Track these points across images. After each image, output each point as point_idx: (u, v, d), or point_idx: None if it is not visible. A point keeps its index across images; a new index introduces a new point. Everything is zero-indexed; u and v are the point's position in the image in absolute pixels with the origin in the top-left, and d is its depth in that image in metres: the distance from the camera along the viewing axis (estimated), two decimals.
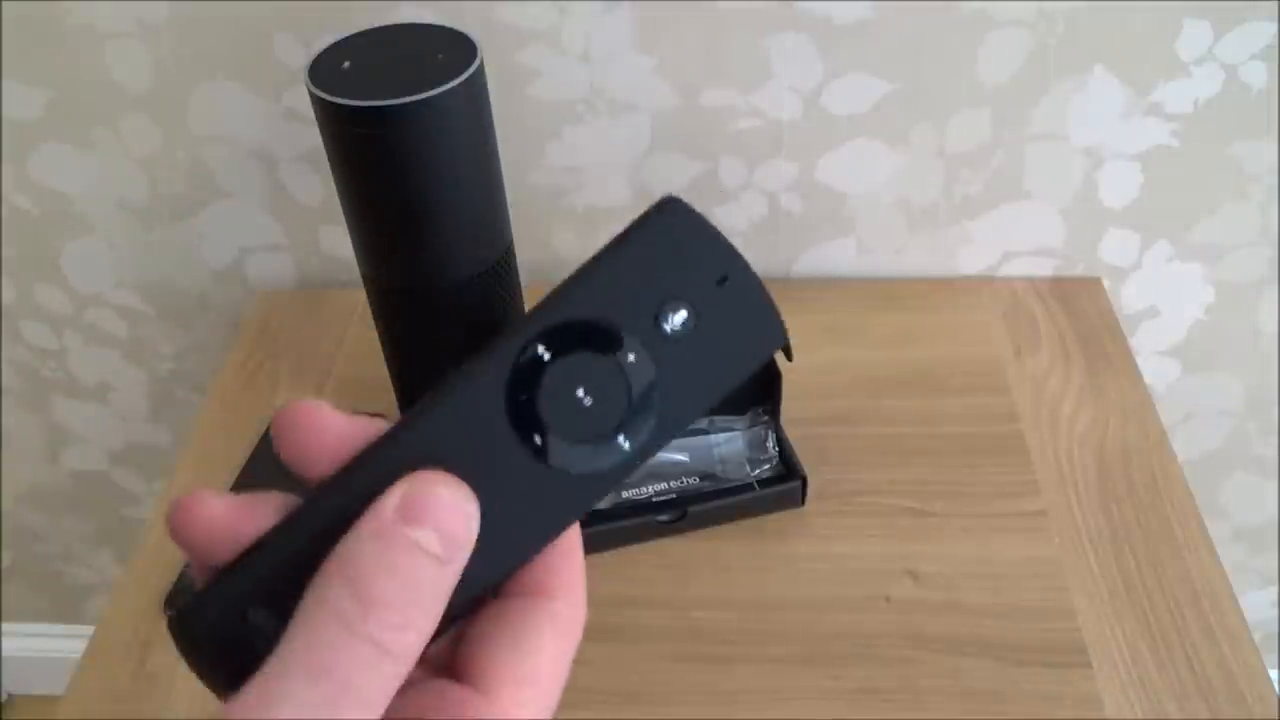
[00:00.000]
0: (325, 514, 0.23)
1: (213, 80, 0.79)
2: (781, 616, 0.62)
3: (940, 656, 0.60)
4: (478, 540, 0.22)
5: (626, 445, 0.21)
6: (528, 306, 0.71)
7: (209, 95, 0.80)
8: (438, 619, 0.22)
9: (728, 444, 0.70)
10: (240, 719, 0.21)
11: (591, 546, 0.66)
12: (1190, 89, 0.75)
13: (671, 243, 0.22)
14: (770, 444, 0.69)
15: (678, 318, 0.21)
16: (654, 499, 0.67)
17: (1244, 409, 0.94)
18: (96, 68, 0.79)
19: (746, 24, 0.74)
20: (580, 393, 0.21)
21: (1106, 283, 0.86)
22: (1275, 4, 0.71)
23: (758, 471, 0.68)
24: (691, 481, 0.68)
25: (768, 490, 0.67)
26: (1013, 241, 0.85)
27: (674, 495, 0.67)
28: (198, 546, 0.25)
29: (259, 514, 0.25)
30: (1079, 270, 0.86)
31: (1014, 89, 0.76)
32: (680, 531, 0.67)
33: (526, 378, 0.21)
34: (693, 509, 0.66)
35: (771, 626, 0.62)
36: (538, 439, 0.21)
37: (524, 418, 0.21)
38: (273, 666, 0.21)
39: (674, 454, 0.69)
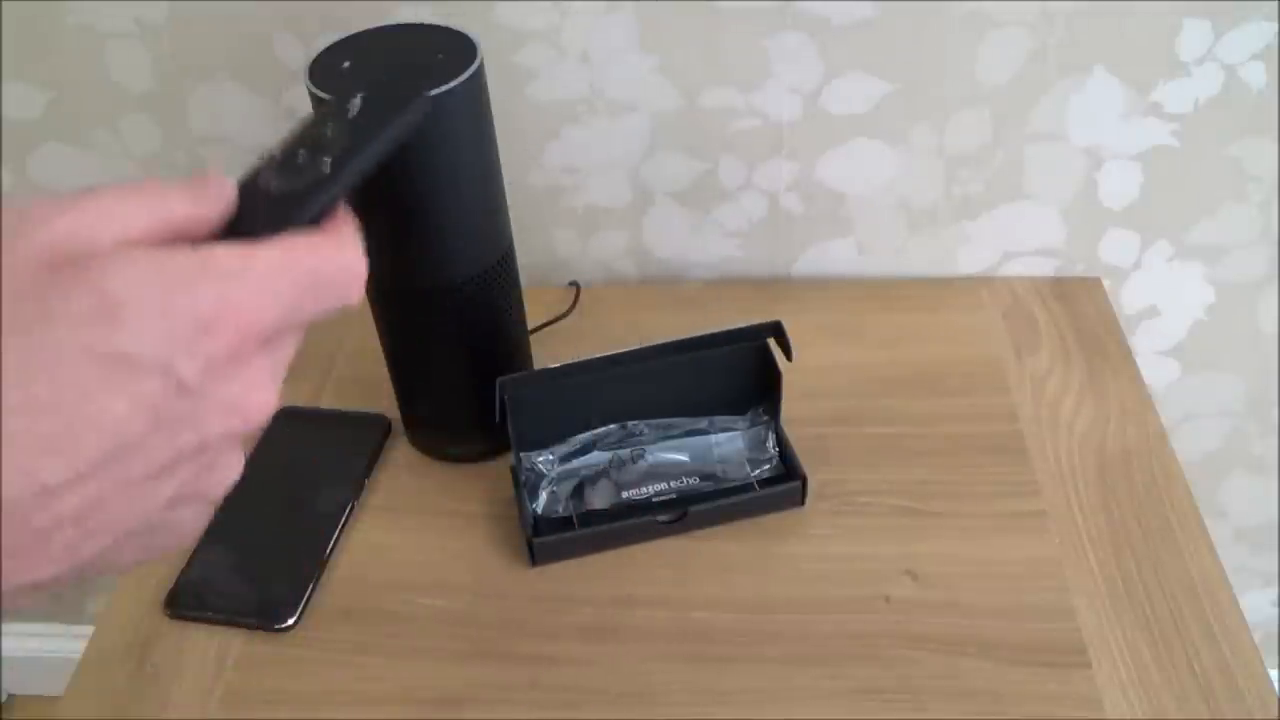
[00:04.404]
0: None
1: (213, 80, 0.79)
2: (781, 616, 0.62)
3: (940, 656, 0.60)
4: (247, 228, 0.31)
5: (326, 167, 0.33)
6: (528, 307, 0.71)
7: (209, 95, 0.80)
8: (190, 201, 0.30)
9: (728, 444, 0.70)
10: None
11: (592, 547, 0.66)
12: (1190, 89, 0.75)
13: (354, 92, 0.36)
14: (770, 444, 0.69)
15: (355, 106, 0.35)
16: (654, 499, 0.67)
17: (1244, 409, 0.94)
18: (96, 68, 0.79)
19: (746, 24, 0.74)
20: (299, 158, 0.34)
21: (1106, 283, 0.86)
22: (1275, 4, 0.71)
23: (758, 471, 0.68)
24: (691, 481, 0.68)
25: (768, 490, 0.67)
26: (1013, 241, 0.85)
27: (674, 495, 0.67)
28: None
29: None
30: (1079, 270, 0.86)
31: (1014, 89, 0.76)
32: (680, 531, 0.67)
33: (266, 163, 0.34)
34: (693, 509, 0.66)
35: (771, 626, 0.62)
36: (272, 184, 0.33)
37: (264, 179, 0.33)
38: None
39: (674, 454, 0.69)
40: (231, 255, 0.29)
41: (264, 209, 0.32)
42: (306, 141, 0.34)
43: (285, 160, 0.34)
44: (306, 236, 0.31)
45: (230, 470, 0.31)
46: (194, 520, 0.31)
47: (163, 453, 0.28)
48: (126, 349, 0.26)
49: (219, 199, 0.31)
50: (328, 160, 0.33)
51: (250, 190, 0.33)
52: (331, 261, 0.31)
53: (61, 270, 0.26)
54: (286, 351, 0.32)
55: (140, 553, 0.31)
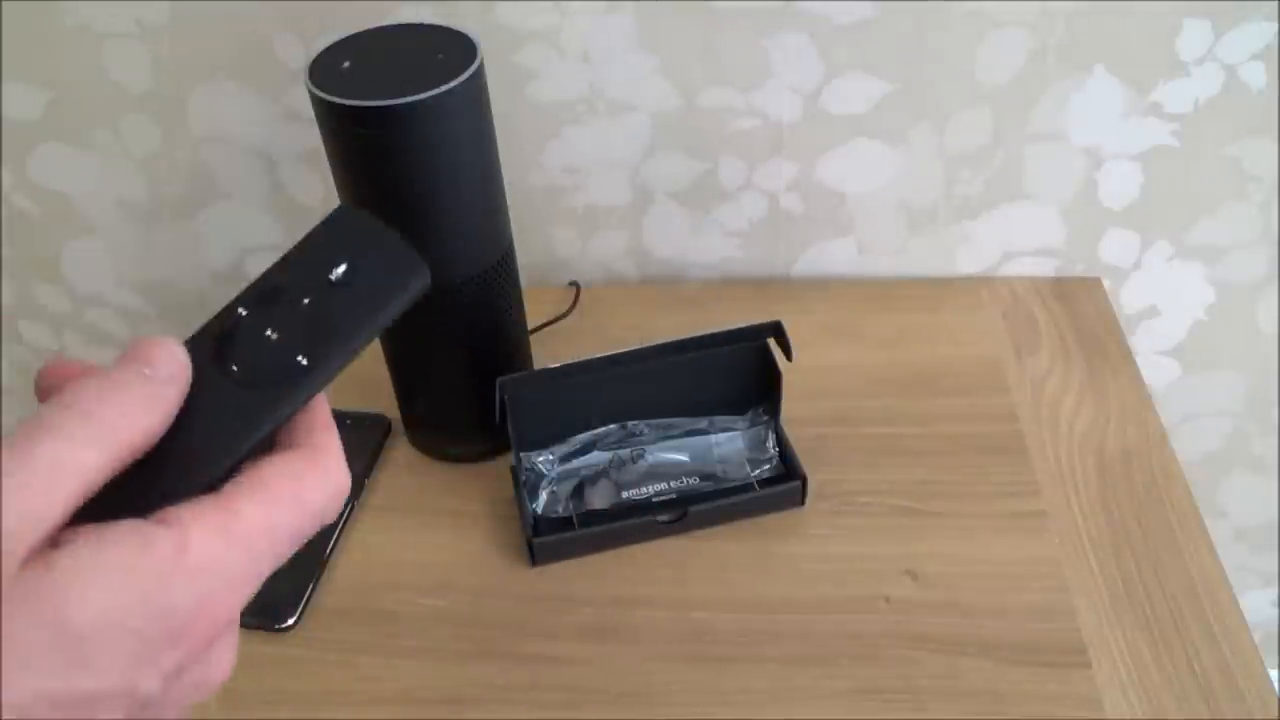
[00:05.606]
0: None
1: (213, 80, 0.79)
2: (781, 616, 0.62)
3: (940, 656, 0.60)
4: (205, 429, 0.28)
5: (304, 360, 0.28)
6: (528, 307, 0.71)
7: (209, 95, 0.80)
8: (145, 416, 0.27)
9: (728, 444, 0.70)
10: None
11: (592, 547, 0.66)
12: (1190, 89, 0.75)
13: (338, 229, 0.30)
14: (770, 444, 0.69)
15: (339, 270, 0.29)
16: (654, 499, 0.67)
17: (1244, 409, 0.94)
18: (96, 68, 0.79)
19: (746, 24, 0.74)
20: (269, 333, 0.29)
21: (1106, 283, 0.86)
22: (1275, 4, 0.71)
23: (758, 471, 0.68)
24: (691, 481, 0.68)
25: (768, 490, 0.67)
26: (1013, 241, 0.85)
27: (674, 495, 0.67)
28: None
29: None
30: (1079, 270, 0.86)
31: (1014, 89, 0.76)
32: (680, 531, 0.67)
33: (230, 330, 0.29)
34: (693, 509, 0.66)
35: (771, 626, 0.62)
36: (234, 368, 0.28)
37: (226, 356, 0.29)
38: None
39: (674, 454, 0.69)
40: (209, 540, 0.25)
41: (228, 408, 0.28)
42: (277, 310, 0.29)
43: (252, 334, 0.29)
44: (291, 477, 0.28)
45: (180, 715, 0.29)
46: None
47: None
48: (89, 689, 0.24)
49: (175, 395, 0.27)
50: (302, 352, 0.28)
51: (209, 373, 0.28)
52: (318, 501, 0.28)
53: (17, 583, 0.23)
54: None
55: None
